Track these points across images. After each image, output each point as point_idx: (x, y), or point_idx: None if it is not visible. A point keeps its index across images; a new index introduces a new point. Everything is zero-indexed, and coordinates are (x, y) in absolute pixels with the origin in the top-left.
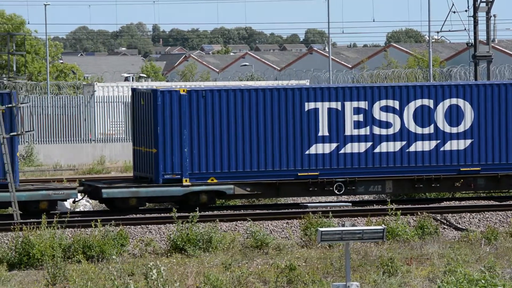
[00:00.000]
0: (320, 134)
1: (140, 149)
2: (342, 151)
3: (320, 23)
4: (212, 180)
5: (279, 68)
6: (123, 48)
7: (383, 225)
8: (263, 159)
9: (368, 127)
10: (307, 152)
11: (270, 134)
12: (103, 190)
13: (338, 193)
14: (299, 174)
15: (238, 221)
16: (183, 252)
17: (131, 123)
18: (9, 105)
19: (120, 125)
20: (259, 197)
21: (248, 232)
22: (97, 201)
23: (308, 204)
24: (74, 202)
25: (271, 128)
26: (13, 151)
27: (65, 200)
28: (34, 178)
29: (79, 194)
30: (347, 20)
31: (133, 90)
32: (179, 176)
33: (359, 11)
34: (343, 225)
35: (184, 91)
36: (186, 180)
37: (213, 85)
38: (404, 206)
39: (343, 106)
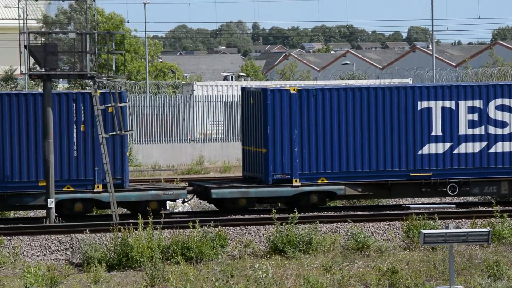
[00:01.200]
0: (433, 133)
1: (250, 149)
2: (456, 151)
3: (423, 20)
4: (322, 180)
5: (380, 67)
6: (223, 47)
7: (488, 227)
8: (374, 159)
9: (483, 127)
10: (419, 152)
11: (382, 133)
12: (212, 191)
13: (451, 194)
14: (411, 174)
15: (339, 223)
16: (282, 254)
17: (240, 123)
18: (109, 105)
19: (220, 125)
20: (370, 198)
21: (349, 234)
22: (206, 201)
23: (411, 206)
24: (183, 202)
25: (383, 128)
26: (123, 151)
27: (174, 200)
28: (134, 179)
29: (188, 195)
30: (452, 17)
31: (243, 89)
32: (289, 176)
33: (464, 8)
34: (446, 227)
35: (294, 90)
36: (296, 181)
37: (313, 84)
38: (511, 208)
39: (457, 105)
